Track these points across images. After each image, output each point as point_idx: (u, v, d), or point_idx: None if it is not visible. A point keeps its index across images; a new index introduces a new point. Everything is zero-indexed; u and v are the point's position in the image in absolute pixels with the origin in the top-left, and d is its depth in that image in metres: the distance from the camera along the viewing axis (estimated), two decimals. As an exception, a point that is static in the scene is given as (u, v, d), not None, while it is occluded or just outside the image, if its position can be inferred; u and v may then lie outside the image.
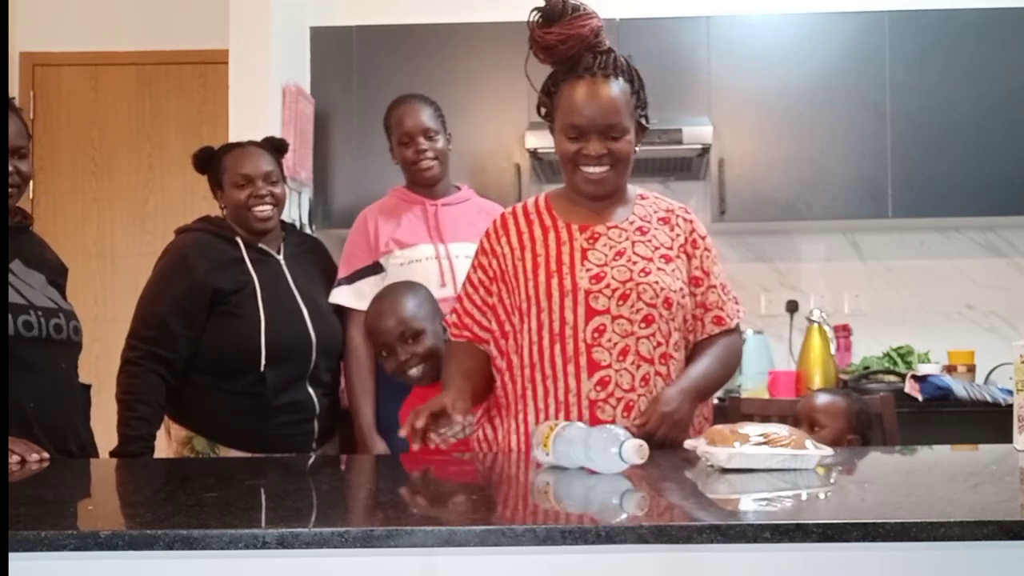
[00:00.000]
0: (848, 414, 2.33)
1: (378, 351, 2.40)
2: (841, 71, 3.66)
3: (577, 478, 1.46)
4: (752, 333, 3.79)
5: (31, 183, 2.22)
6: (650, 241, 1.92)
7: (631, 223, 1.95)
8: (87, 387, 2.16)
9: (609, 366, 1.82)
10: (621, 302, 1.84)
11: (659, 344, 1.86)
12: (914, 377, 3.39)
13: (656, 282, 1.87)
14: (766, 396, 3.34)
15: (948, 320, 3.95)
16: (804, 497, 1.37)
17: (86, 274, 3.95)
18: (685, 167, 3.81)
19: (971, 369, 3.62)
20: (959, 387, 3.32)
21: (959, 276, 3.96)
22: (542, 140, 3.54)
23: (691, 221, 2.00)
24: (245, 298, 2.39)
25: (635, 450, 1.43)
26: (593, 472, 1.46)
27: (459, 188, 2.77)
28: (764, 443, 1.49)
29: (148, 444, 2.30)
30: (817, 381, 3.48)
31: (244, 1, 3.35)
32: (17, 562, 1.07)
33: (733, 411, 2.66)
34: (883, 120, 3.65)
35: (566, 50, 1.90)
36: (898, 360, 3.65)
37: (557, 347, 1.84)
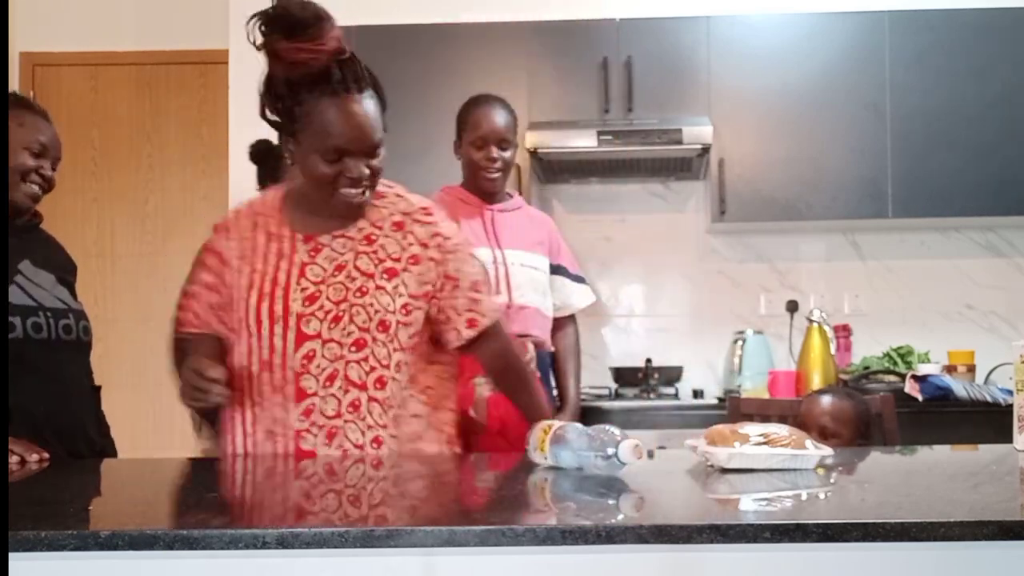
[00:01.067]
0: (856, 419, 2.32)
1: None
2: (841, 71, 3.66)
3: (576, 478, 1.46)
4: (752, 333, 3.79)
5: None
6: (375, 252, 1.79)
7: (360, 231, 1.81)
8: (97, 388, 2.16)
9: (315, 394, 1.73)
10: (333, 324, 1.74)
11: (372, 368, 1.75)
12: (914, 377, 3.39)
13: (371, 304, 1.75)
14: (766, 396, 3.34)
15: (948, 320, 3.95)
16: (804, 497, 1.37)
17: (86, 274, 3.91)
18: (685, 167, 3.81)
19: (971, 369, 3.63)
20: (959, 387, 3.32)
21: (959, 276, 3.96)
22: (542, 139, 3.54)
23: (431, 223, 1.84)
24: None
25: (631, 450, 1.43)
26: (590, 472, 1.46)
27: (511, 195, 2.82)
28: (764, 443, 1.49)
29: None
30: (817, 381, 3.48)
31: (244, 1, 3.35)
32: (17, 562, 1.07)
33: (733, 411, 2.67)
34: (883, 120, 3.65)
35: (316, 64, 1.68)
36: (898, 360, 3.65)
37: (266, 375, 1.75)
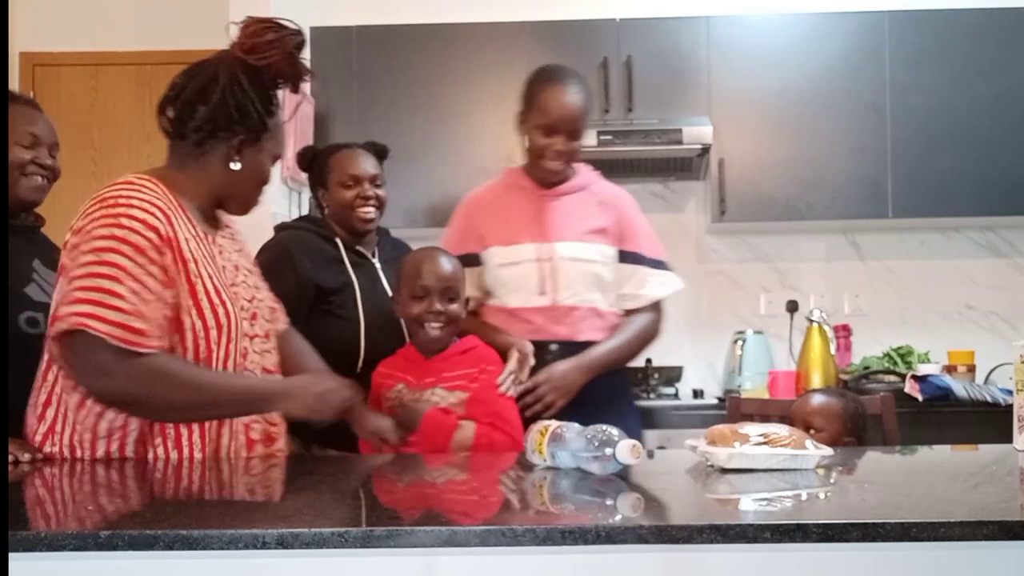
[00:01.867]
0: (844, 416, 2.32)
1: (412, 292, 2.16)
2: (841, 71, 3.66)
3: (576, 478, 1.46)
4: (752, 333, 3.79)
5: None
6: (242, 250, 1.94)
7: (229, 229, 1.93)
8: None
9: None
10: (253, 322, 1.84)
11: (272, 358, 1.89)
12: (914, 377, 3.40)
13: (264, 298, 1.92)
14: (766, 396, 3.34)
15: (948, 320, 3.95)
16: (804, 497, 1.37)
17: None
18: (685, 167, 3.81)
19: (971, 369, 3.63)
20: (959, 387, 3.32)
21: (959, 276, 3.96)
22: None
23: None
24: (346, 299, 2.38)
25: (629, 450, 1.43)
26: (589, 472, 1.46)
27: (576, 172, 2.48)
28: (764, 443, 1.49)
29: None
30: (817, 381, 3.48)
31: (244, 1, 3.35)
32: (17, 562, 1.07)
33: (733, 411, 2.66)
34: (883, 120, 3.65)
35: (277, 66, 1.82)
36: (898, 360, 3.65)
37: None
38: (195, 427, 1.72)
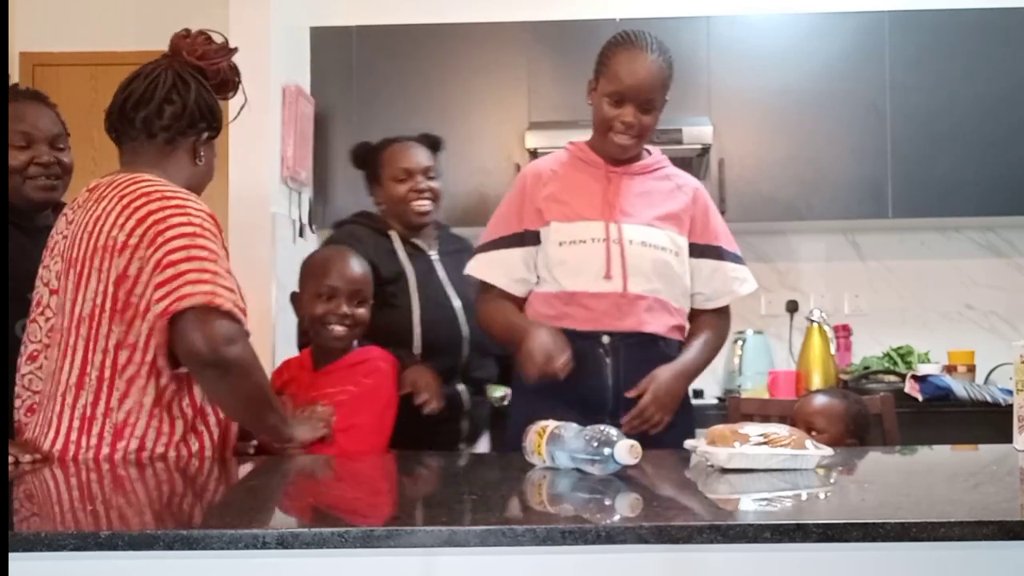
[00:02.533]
0: (846, 417, 2.32)
1: (317, 291, 2.13)
2: (841, 71, 3.66)
3: (575, 478, 1.46)
4: (752, 333, 3.79)
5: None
6: None
7: None
8: None
9: None
10: None
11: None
12: (914, 377, 3.40)
13: None
14: (766, 396, 3.34)
15: (948, 320, 3.95)
16: (804, 497, 1.37)
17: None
18: (685, 167, 3.78)
19: (971, 369, 3.63)
20: (959, 387, 3.32)
21: (959, 276, 3.96)
22: (542, 140, 3.54)
23: None
24: (400, 288, 2.39)
25: (627, 450, 1.42)
26: (588, 473, 1.46)
27: (649, 152, 2.28)
28: (764, 443, 1.49)
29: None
30: (817, 381, 3.48)
31: (244, 1, 3.35)
32: (17, 562, 1.07)
33: (733, 411, 2.66)
34: (883, 120, 3.65)
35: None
36: (898, 360, 3.65)
37: None
38: (215, 427, 1.79)
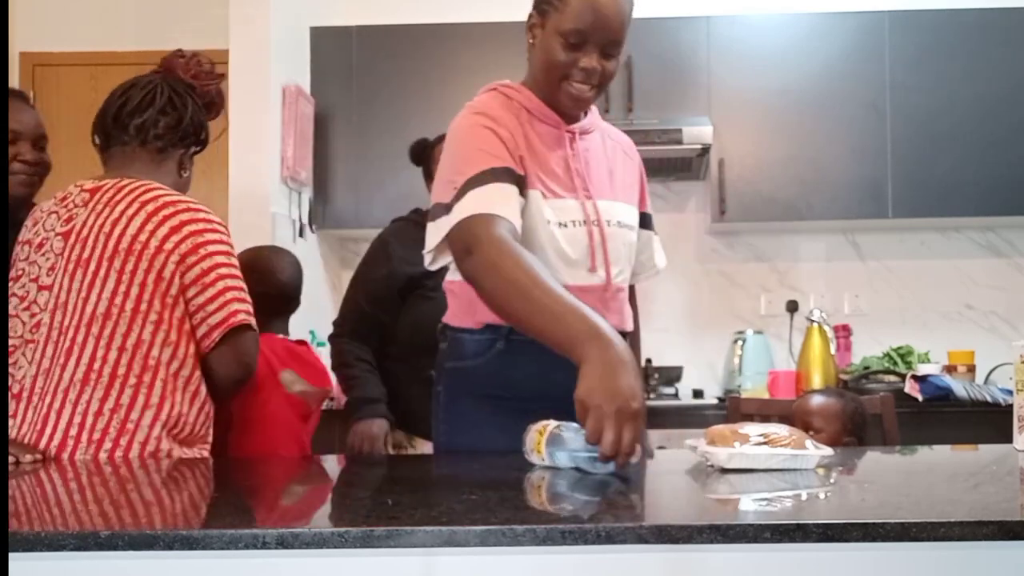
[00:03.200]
0: (843, 416, 2.32)
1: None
2: (841, 71, 3.66)
3: (575, 478, 1.46)
4: (752, 333, 3.79)
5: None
6: None
7: None
8: None
9: None
10: None
11: None
12: (914, 377, 3.40)
13: None
14: (766, 396, 3.34)
15: (948, 320, 3.95)
16: (804, 497, 1.37)
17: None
18: (685, 167, 3.81)
19: (971, 369, 3.63)
20: (959, 387, 3.32)
21: (959, 276, 3.97)
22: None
23: None
24: (438, 282, 2.18)
25: None
26: (588, 472, 1.46)
27: (585, 113, 1.87)
28: (764, 443, 1.49)
29: (370, 405, 2.51)
30: (817, 381, 3.49)
31: (244, 1, 3.35)
32: (17, 562, 1.06)
33: (733, 411, 2.67)
34: (883, 120, 3.65)
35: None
36: (898, 360, 3.65)
37: None
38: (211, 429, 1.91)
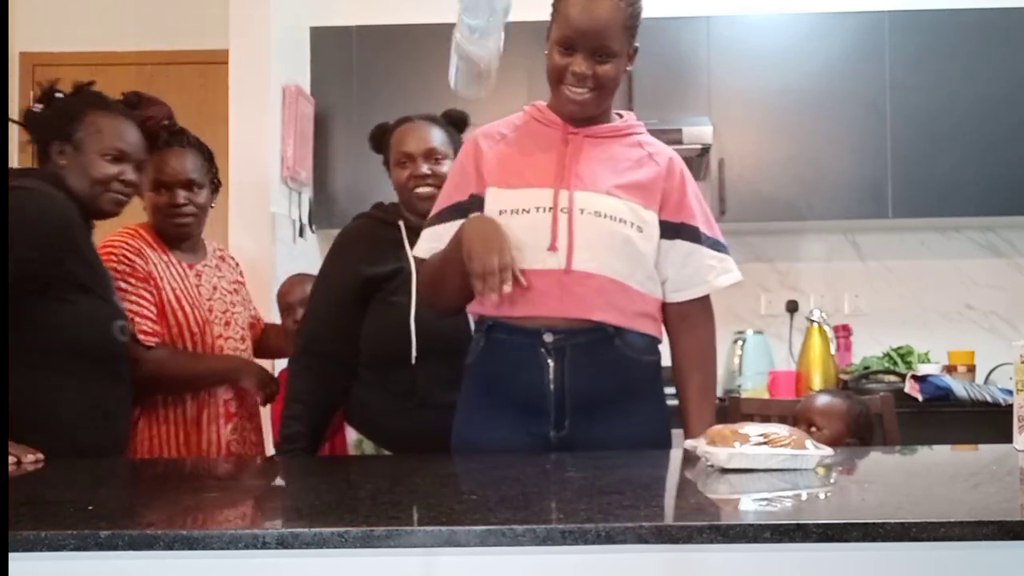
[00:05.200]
0: (847, 417, 2.33)
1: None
2: (841, 71, 3.66)
3: (575, 479, 1.46)
4: (752, 333, 3.79)
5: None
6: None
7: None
8: None
9: None
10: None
11: None
12: (914, 377, 3.40)
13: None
14: (766, 396, 3.34)
15: (948, 320, 3.95)
16: (804, 497, 1.37)
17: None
18: (685, 167, 3.81)
19: (971, 369, 3.63)
20: (959, 387, 3.32)
21: (959, 276, 3.96)
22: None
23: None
24: (399, 284, 2.19)
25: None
26: (591, 472, 1.46)
27: (620, 116, 1.97)
28: (764, 443, 1.49)
29: (296, 443, 2.16)
30: (817, 381, 3.49)
31: (244, 1, 3.35)
32: (17, 562, 1.07)
33: (733, 411, 2.67)
34: (883, 120, 3.65)
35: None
36: (898, 360, 3.65)
37: None
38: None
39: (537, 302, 1.80)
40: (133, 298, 2.19)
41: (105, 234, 2.29)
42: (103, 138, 2.01)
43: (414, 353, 2.14)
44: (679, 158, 1.97)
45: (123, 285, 2.16)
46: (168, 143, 2.29)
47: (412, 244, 2.16)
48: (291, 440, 2.17)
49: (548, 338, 1.80)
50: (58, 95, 2.07)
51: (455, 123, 2.37)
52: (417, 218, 2.20)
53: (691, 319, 1.93)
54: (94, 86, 2.15)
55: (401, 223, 2.28)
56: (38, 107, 2.07)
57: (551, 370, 1.80)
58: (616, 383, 1.84)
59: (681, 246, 1.90)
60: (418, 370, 2.13)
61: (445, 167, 2.23)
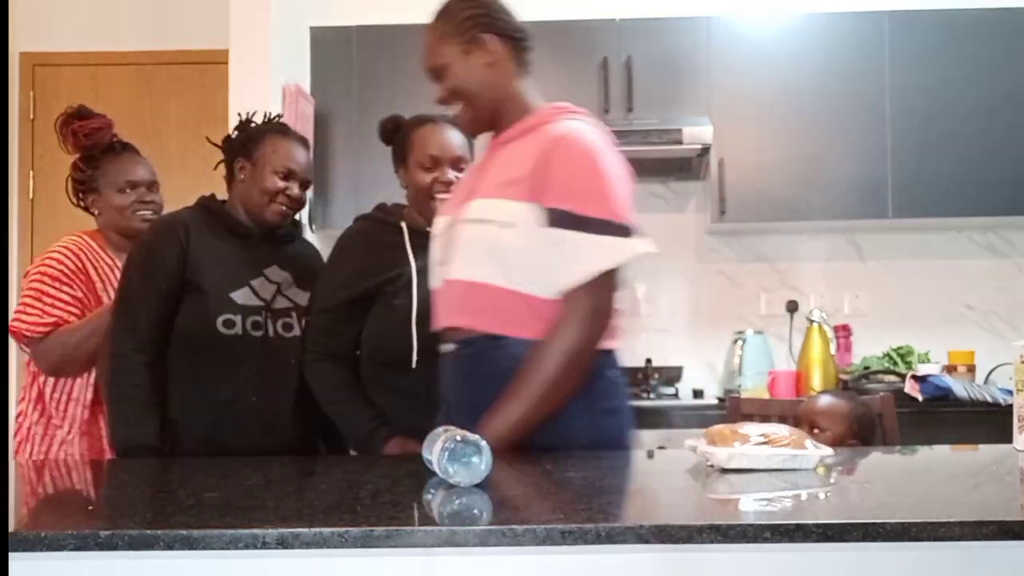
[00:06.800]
0: (850, 418, 2.32)
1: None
2: (841, 71, 3.66)
3: (575, 479, 1.46)
4: (752, 333, 3.79)
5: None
6: None
7: None
8: None
9: None
10: None
11: None
12: (914, 377, 3.40)
13: None
14: (766, 396, 3.34)
15: (948, 320, 3.95)
16: (804, 497, 1.37)
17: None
18: (685, 167, 3.81)
19: (971, 369, 3.63)
20: (959, 387, 3.32)
21: (959, 276, 3.97)
22: (542, 140, 3.55)
23: None
24: (399, 287, 2.18)
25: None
26: (591, 472, 1.46)
27: (562, 110, 1.88)
28: (764, 443, 1.49)
29: (378, 432, 2.15)
30: (817, 381, 3.49)
31: (244, 1, 3.35)
32: (17, 562, 1.07)
33: (733, 411, 2.67)
34: (883, 120, 3.65)
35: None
36: (898, 360, 3.65)
37: None
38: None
39: (438, 317, 1.89)
40: (48, 300, 2.36)
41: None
42: (277, 157, 2.28)
43: (415, 356, 2.13)
44: (565, 136, 1.76)
45: (45, 287, 2.36)
46: (126, 147, 2.62)
47: (414, 246, 2.19)
48: (374, 433, 2.16)
49: (445, 349, 1.88)
50: (252, 124, 2.36)
51: None
52: (424, 221, 2.20)
53: (560, 317, 1.73)
54: (280, 119, 2.43)
55: (404, 225, 2.25)
56: (234, 133, 2.37)
57: (446, 382, 1.88)
58: (499, 393, 1.73)
59: (552, 234, 1.72)
60: (420, 372, 2.11)
61: (462, 175, 2.19)
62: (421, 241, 2.16)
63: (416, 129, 2.27)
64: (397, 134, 2.31)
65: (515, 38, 1.87)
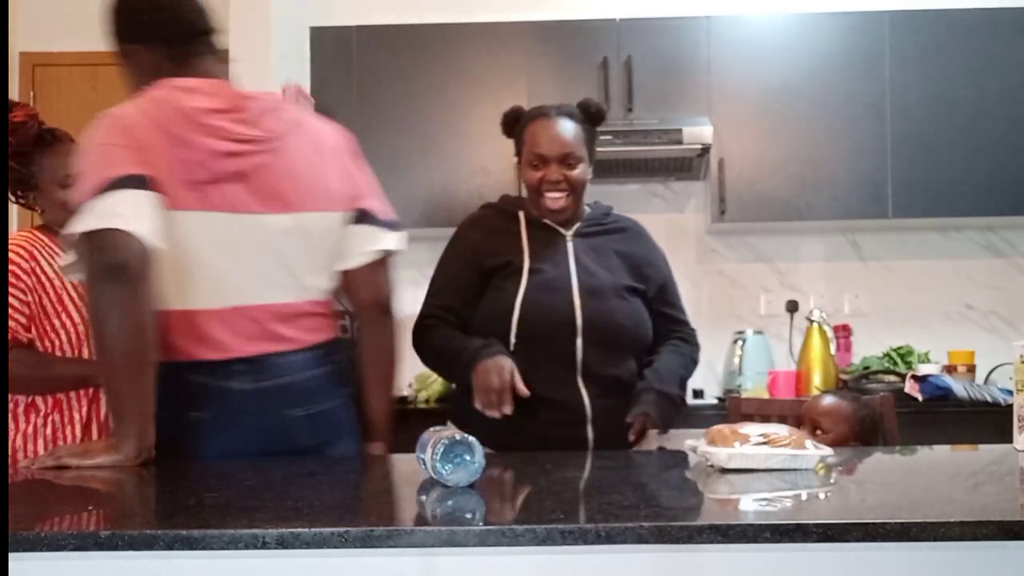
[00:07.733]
0: (852, 419, 2.31)
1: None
2: (841, 71, 3.66)
3: (575, 479, 1.46)
4: (752, 333, 3.79)
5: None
6: None
7: None
8: None
9: None
10: None
11: None
12: (914, 377, 3.40)
13: None
14: (766, 396, 3.35)
15: (948, 320, 3.95)
16: (804, 497, 1.37)
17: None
18: (685, 167, 3.81)
19: (971, 369, 3.63)
20: (959, 387, 3.32)
21: (959, 276, 3.97)
22: (542, 140, 3.54)
23: None
24: (511, 272, 2.17)
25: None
26: (590, 472, 1.46)
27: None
28: (764, 443, 1.49)
29: (487, 348, 2.12)
30: (817, 381, 3.49)
31: (244, 1, 3.35)
32: (17, 562, 1.07)
33: (733, 411, 2.67)
34: (883, 120, 3.65)
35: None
36: (898, 360, 3.65)
37: None
38: None
39: None
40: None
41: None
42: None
43: (512, 340, 2.13)
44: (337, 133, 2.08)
45: None
46: (57, 137, 2.46)
47: (530, 235, 2.23)
48: (488, 347, 2.13)
49: None
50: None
51: (591, 117, 2.28)
52: (539, 214, 2.25)
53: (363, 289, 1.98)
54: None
55: (521, 214, 2.27)
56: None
57: None
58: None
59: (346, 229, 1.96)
60: (517, 356, 2.10)
61: (578, 171, 2.20)
62: (537, 233, 2.23)
63: (528, 125, 2.25)
64: (516, 127, 2.29)
65: None
